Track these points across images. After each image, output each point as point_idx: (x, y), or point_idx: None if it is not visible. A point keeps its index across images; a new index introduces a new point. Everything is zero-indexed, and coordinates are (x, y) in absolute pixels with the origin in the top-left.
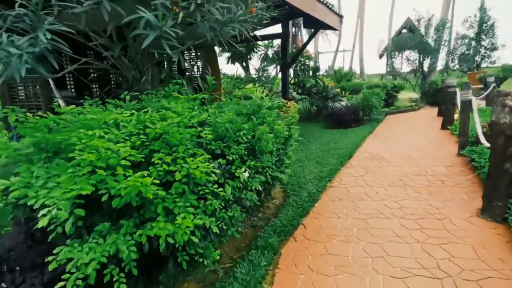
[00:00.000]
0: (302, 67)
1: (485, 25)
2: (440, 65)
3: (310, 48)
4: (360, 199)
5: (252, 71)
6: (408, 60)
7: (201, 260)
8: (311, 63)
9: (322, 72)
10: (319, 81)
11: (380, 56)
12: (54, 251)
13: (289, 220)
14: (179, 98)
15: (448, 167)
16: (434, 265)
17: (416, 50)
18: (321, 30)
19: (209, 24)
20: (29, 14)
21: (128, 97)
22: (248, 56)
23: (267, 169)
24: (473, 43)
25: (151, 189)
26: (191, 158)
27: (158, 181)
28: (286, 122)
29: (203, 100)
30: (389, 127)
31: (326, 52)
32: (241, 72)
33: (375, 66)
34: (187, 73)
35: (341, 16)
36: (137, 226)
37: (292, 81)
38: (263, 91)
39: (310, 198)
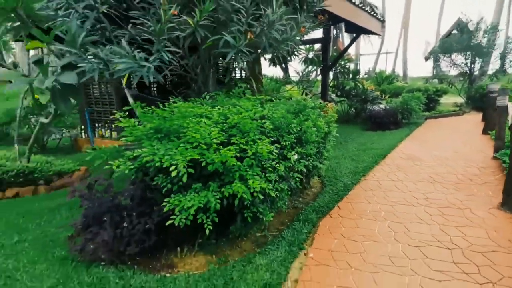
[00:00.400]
0: (342, 70)
1: None
2: (490, 69)
3: (351, 50)
4: (390, 190)
5: (292, 73)
6: (454, 64)
7: (261, 217)
8: (352, 66)
9: (362, 74)
10: (358, 83)
11: (426, 59)
12: (166, 200)
13: (325, 203)
14: (248, 98)
15: (480, 168)
16: (448, 240)
17: (463, 53)
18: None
19: (269, 41)
20: (155, 40)
21: (207, 97)
22: (289, 58)
23: (309, 157)
24: None
25: (232, 160)
26: (259, 141)
27: (235, 156)
28: (326, 120)
29: (261, 100)
30: (428, 131)
31: (368, 54)
32: (281, 73)
33: (421, 69)
34: (236, 76)
35: (383, 21)
36: (219, 187)
37: (331, 84)
38: (303, 93)
39: (345, 188)
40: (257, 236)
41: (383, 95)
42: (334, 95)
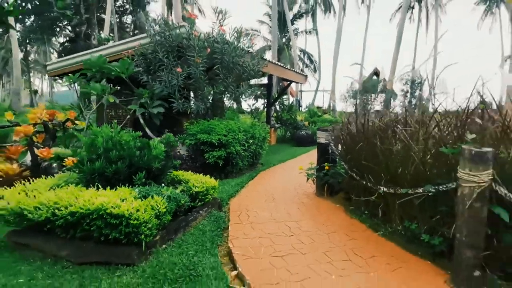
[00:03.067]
0: (281, 106)
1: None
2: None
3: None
4: (291, 167)
5: (244, 105)
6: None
7: (239, 163)
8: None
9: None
10: (292, 116)
11: (353, 97)
12: (205, 154)
13: (262, 170)
14: (231, 119)
15: None
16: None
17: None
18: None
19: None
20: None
21: (225, 116)
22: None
23: (256, 145)
24: (408, 95)
25: (230, 139)
26: (239, 133)
27: (231, 139)
28: (264, 131)
29: (235, 121)
30: None
31: (308, 91)
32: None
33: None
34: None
35: (305, 76)
36: (225, 149)
37: (274, 114)
38: (254, 119)
39: (273, 165)
40: (235, 173)
41: (310, 124)
42: (275, 123)
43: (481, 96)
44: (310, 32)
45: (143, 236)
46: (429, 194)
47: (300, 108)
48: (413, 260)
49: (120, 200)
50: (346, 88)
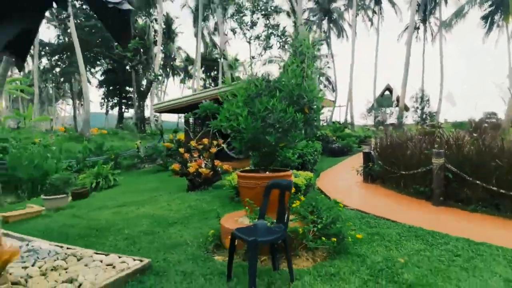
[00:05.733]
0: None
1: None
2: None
3: None
4: (336, 172)
5: None
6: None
7: (310, 166)
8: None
9: (322, 122)
10: (324, 133)
11: (368, 111)
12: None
13: (321, 171)
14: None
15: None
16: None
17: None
18: None
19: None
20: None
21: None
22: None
23: (310, 156)
24: (419, 110)
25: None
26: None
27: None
28: (319, 147)
29: None
30: (356, 157)
31: (326, 107)
32: None
33: (364, 119)
34: None
35: (334, 101)
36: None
37: None
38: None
39: (322, 170)
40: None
41: (337, 138)
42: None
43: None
44: (326, 56)
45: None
46: (421, 171)
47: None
48: (413, 198)
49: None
50: (365, 107)
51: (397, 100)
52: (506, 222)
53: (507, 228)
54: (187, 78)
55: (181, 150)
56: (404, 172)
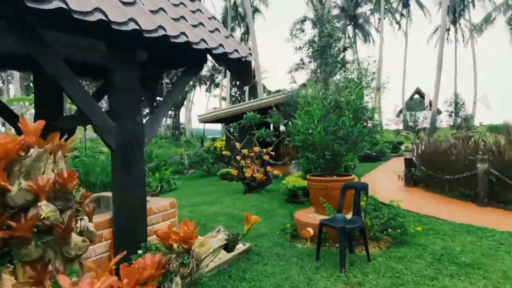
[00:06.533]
0: None
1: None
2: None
3: None
4: (375, 175)
5: None
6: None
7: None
8: None
9: None
10: None
11: (397, 116)
12: None
13: (360, 176)
14: None
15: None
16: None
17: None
18: None
19: None
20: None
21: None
22: None
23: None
24: (453, 114)
25: None
26: None
27: None
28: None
29: None
30: (392, 162)
31: None
32: None
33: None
34: None
35: None
36: None
37: None
38: None
39: (366, 172)
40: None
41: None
42: None
43: None
44: (353, 62)
45: None
46: (466, 175)
47: None
48: (458, 201)
49: None
50: (393, 112)
51: (430, 104)
52: None
53: None
54: (213, 86)
55: (225, 153)
56: (449, 177)
